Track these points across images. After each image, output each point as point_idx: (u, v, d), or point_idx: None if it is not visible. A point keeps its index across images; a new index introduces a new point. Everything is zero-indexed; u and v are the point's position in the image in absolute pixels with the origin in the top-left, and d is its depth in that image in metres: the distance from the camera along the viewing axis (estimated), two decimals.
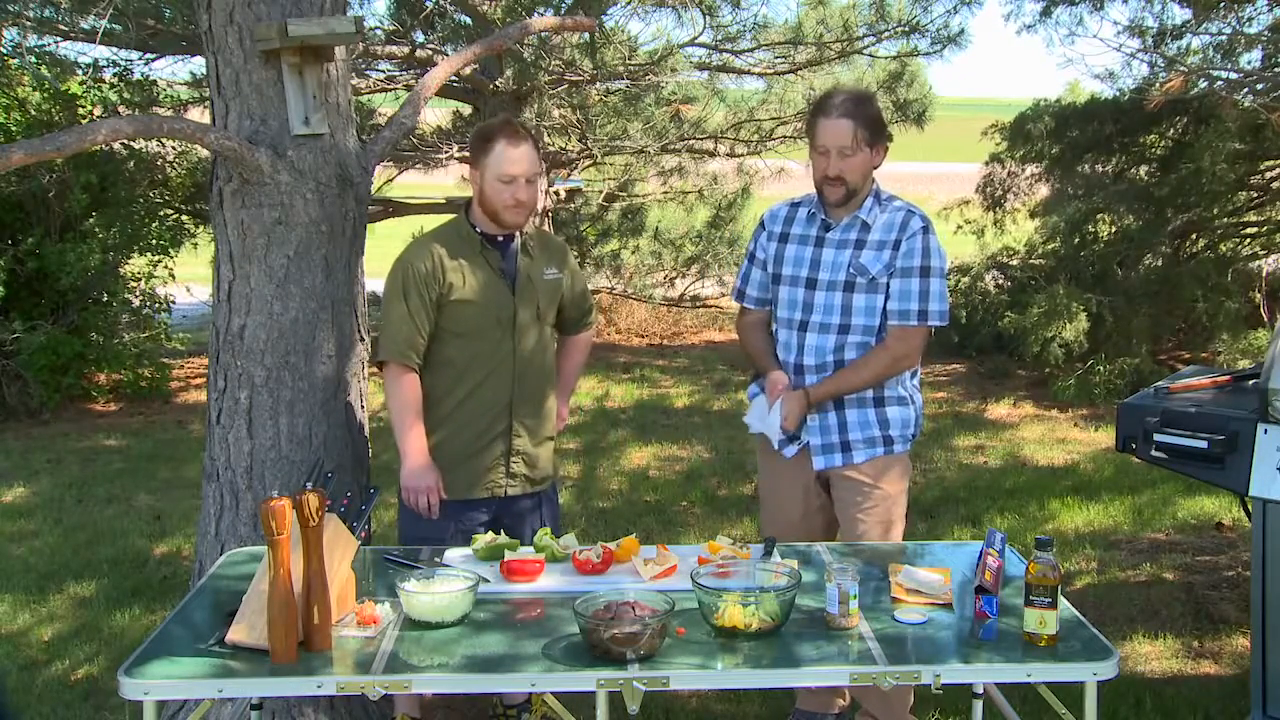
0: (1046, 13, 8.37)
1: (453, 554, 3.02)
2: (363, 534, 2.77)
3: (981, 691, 3.13)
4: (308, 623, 2.43)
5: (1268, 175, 9.28)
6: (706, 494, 6.16)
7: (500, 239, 3.36)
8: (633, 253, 11.15)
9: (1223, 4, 7.65)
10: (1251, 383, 3.51)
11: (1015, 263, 9.65)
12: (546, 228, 9.93)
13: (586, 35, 8.42)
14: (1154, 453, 3.45)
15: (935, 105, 9.79)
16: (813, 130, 3.30)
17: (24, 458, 7.23)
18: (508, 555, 2.90)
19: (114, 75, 8.57)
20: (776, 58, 9.52)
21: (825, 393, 3.30)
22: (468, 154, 3.40)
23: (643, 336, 11.40)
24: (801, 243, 3.39)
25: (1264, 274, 9.13)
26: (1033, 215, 10.05)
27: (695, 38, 9.07)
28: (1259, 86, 7.29)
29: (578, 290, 3.57)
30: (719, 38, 9.16)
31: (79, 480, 6.72)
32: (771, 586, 2.61)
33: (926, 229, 3.31)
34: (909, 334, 3.31)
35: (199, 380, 9.19)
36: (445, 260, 3.28)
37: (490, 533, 3.05)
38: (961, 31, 9.11)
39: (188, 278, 9.31)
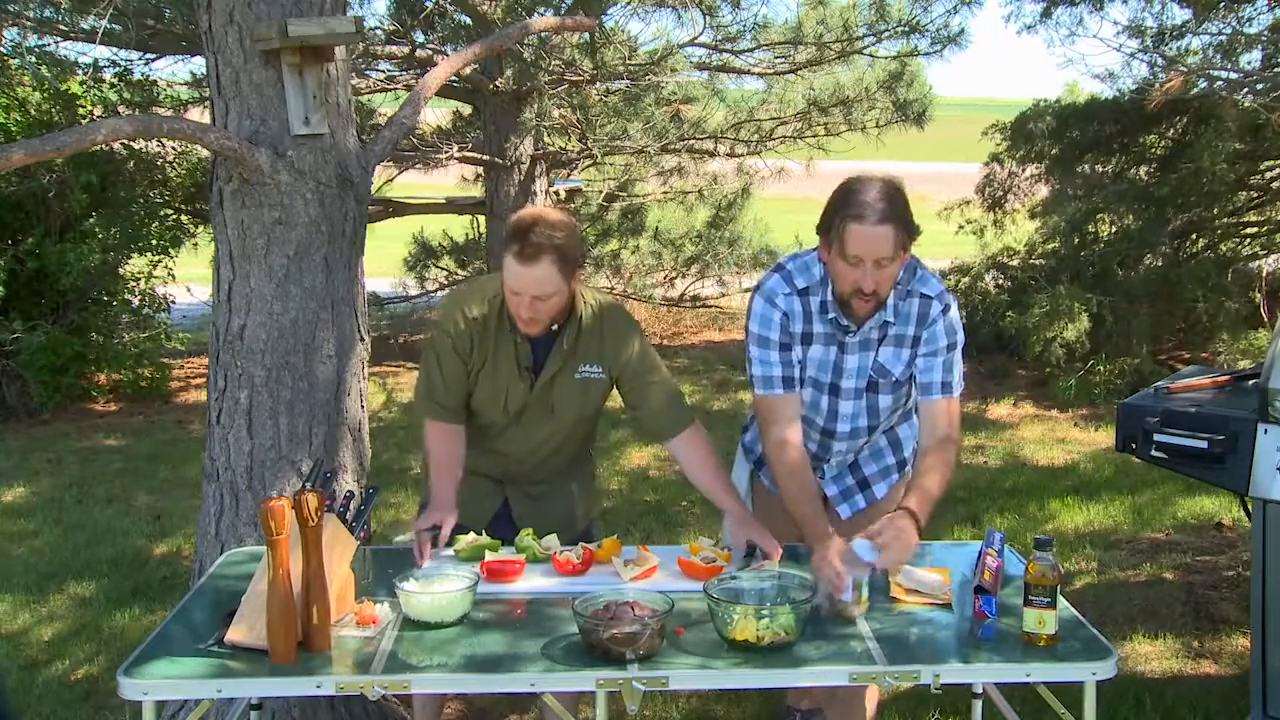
0: (1047, 13, 8.38)
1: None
2: (362, 534, 2.77)
3: (981, 691, 3.13)
4: (307, 623, 2.43)
5: (1268, 175, 9.29)
6: None
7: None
8: (633, 253, 11.15)
9: (1223, 4, 7.65)
10: (1251, 383, 3.50)
11: (1015, 263, 9.65)
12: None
13: (586, 35, 8.42)
14: (1154, 453, 3.44)
15: (935, 105, 9.79)
16: (841, 236, 2.78)
17: (24, 458, 7.23)
18: (488, 556, 2.90)
19: (114, 75, 8.57)
20: (776, 58, 9.53)
21: (928, 510, 2.85)
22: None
23: None
24: (826, 343, 3.01)
25: (1264, 274, 9.13)
26: (1033, 215, 10.05)
27: (695, 38, 9.07)
28: (1259, 86, 7.29)
29: (639, 386, 3.07)
30: (719, 38, 9.16)
31: (79, 480, 6.72)
32: (789, 599, 2.51)
33: (946, 309, 2.99)
34: (953, 406, 3.01)
35: (199, 380, 9.20)
36: (476, 334, 3.00)
37: (471, 533, 3.03)
38: (961, 31, 9.12)
39: (188, 278, 9.31)
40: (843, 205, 2.79)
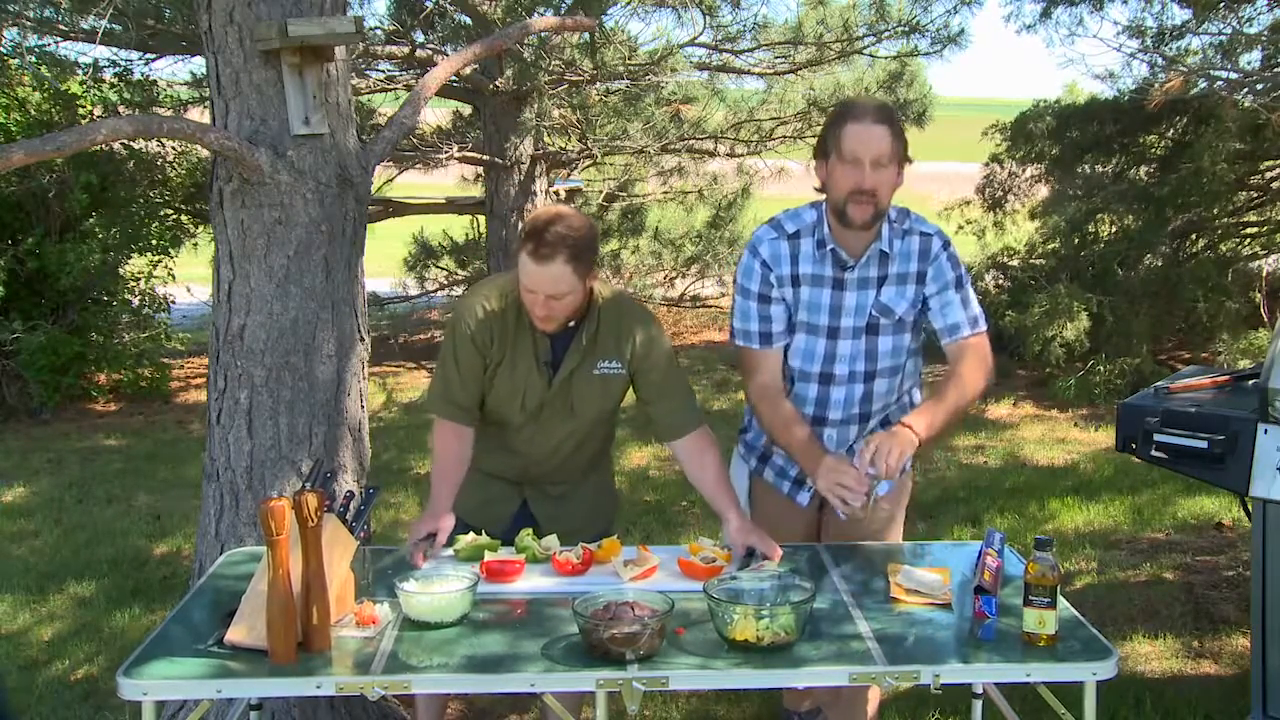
0: (1046, 13, 8.38)
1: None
2: (362, 534, 2.77)
3: (981, 692, 3.12)
4: (306, 623, 2.43)
5: (1268, 175, 9.28)
6: None
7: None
8: (633, 253, 11.15)
9: (1223, 4, 7.65)
10: (1251, 383, 3.50)
11: (1015, 263, 9.65)
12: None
13: (586, 35, 8.42)
14: (1154, 453, 3.44)
15: (935, 105, 9.79)
16: (837, 138, 2.84)
17: (24, 458, 7.24)
18: (488, 556, 2.90)
19: (114, 75, 8.57)
20: (776, 58, 9.52)
21: (929, 420, 2.87)
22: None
23: None
24: (816, 284, 2.99)
25: (1264, 274, 9.13)
26: (1033, 216, 10.05)
27: (695, 38, 9.07)
28: (1259, 86, 7.30)
29: (652, 381, 3.05)
30: (719, 38, 9.16)
31: (79, 480, 6.72)
32: (789, 600, 2.51)
33: (946, 244, 3.03)
34: (983, 341, 3.05)
35: (199, 380, 9.20)
36: (495, 328, 2.97)
37: (471, 533, 3.02)
38: (961, 31, 9.12)
39: (188, 278, 9.31)
40: (838, 116, 2.90)
